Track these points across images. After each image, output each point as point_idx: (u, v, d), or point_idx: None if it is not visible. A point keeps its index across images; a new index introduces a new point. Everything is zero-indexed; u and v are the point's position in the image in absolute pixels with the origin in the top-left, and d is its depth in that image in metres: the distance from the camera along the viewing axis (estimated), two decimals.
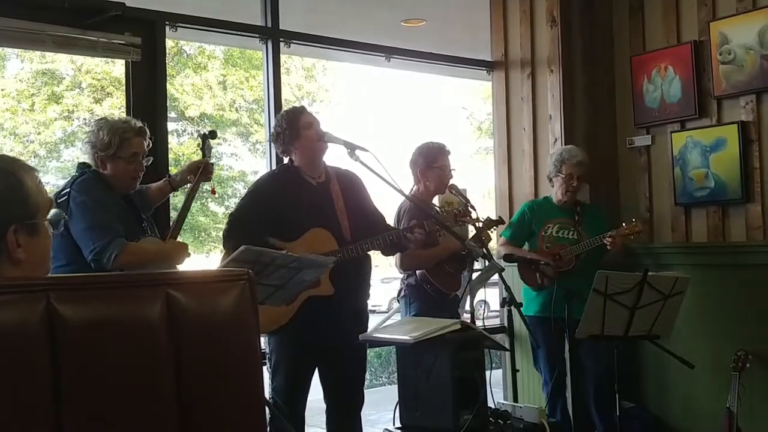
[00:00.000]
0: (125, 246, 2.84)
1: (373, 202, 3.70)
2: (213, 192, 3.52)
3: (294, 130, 3.50)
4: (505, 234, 4.49)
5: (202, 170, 3.26)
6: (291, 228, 3.38)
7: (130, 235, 2.94)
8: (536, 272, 4.25)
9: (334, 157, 3.65)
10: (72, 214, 2.84)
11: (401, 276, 4.19)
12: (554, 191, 4.44)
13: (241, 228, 3.42)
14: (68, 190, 2.94)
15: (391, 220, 3.97)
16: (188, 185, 3.33)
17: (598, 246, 4.21)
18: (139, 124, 3.12)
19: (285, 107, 4.16)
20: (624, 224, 4.26)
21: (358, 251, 3.41)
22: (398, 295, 4.25)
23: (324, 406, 3.60)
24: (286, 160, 3.67)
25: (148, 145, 3.14)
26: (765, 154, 4.36)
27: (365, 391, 3.65)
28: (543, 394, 4.36)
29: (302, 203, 3.45)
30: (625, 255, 4.43)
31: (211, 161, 3.36)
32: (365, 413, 3.66)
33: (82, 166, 3.08)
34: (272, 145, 3.76)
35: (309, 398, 3.53)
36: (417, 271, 4.06)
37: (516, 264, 4.31)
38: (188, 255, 3.11)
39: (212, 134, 3.42)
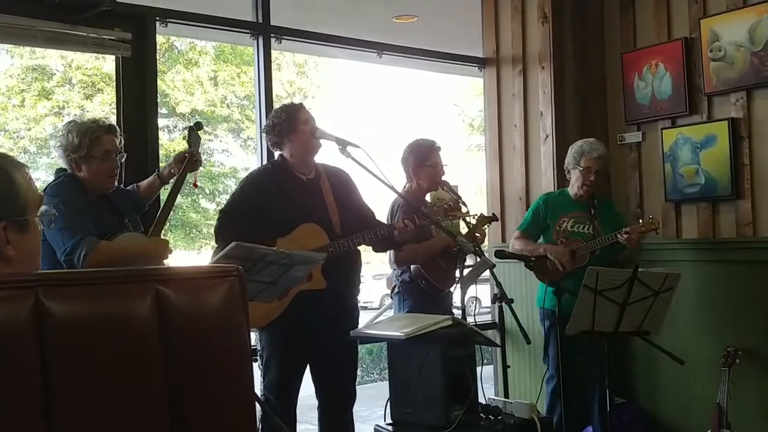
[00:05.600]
0: (95, 245, 2.81)
1: (363, 199, 3.71)
2: (195, 185, 3.47)
3: (291, 123, 3.52)
4: (520, 227, 4.46)
5: (187, 160, 3.24)
6: (281, 223, 3.39)
7: (109, 233, 2.92)
8: (547, 266, 4.18)
9: (326, 154, 3.66)
10: None
11: (395, 272, 4.19)
12: (571, 184, 4.35)
13: (232, 223, 3.42)
14: (41, 192, 2.93)
15: (383, 217, 3.97)
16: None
17: (613, 242, 4.14)
18: (108, 122, 3.12)
19: (277, 103, 4.17)
20: (641, 221, 4.20)
21: (348, 245, 3.42)
22: (392, 291, 4.24)
23: (316, 402, 3.60)
24: (276, 154, 3.66)
25: (120, 142, 3.13)
26: (755, 150, 4.38)
27: (357, 387, 3.66)
28: (546, 387, 4.30)
29: (293, 198, 3.46)
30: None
31: (197, 151, 3.32)
32: (356, 409, 3.66)
33: (59, 172, 3.09)
34: (264, 137, 3.73)
35: (301, 394, 3.54)
36: (411, 267, 4.07)
37: (509, 260, 4.30)
38: (170, 252, 3.08)
39: (198, 125, 3.39)
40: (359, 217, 3.58)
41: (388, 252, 4.04)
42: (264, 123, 3.86)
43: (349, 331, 3.38)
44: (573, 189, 4.33)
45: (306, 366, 3.52)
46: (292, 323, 3.35)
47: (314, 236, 3.40)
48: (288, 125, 3.52)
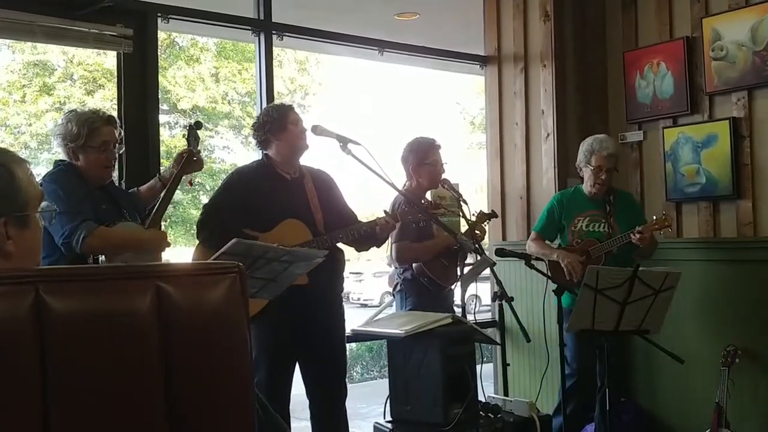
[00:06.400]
0: (94, 229, 2.82)
1: (345, 201, 3.73)
2: (190, 183, 3.47)
3: (282, 122, 3.54)
4: (535, 228, 4.43)
5: (185, 159, 3.24)
6: (265, 219, 3.41)
7: (107, 222, 2.93)
8: (562, 270, 4.14)
9: (326, 151, 3.66)
10: None
11: (397, 270, 4.19)
12: (584, 182, 4.30)
13: (216, 218, 3.44)
14: (41, 181, 2.94)
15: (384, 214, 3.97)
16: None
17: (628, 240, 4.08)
18: (108, 113, 3.12)
19: (278, 100, 4.17)
20: (654, 217, 4.14)
21: (331, 241, 3.43)
22: (394, 289, 4.25)
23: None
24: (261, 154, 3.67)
25: (119, 133, 3.13)
26: (756, 150, 4.38)
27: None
28: (558, 386, 4.26)
29: (276, 196, 3.48)
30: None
31: (196, 151, 3.32)
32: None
33: (58, 162, 3.10)
34: (252, 134, 3.70)
35: (296, 391, 3.54)
36: (413, 265, 4.07)
37: (508, 258, 4.28)
38: (168, 245, 3.08)
39: (197, 125, 3.39)
40: (342, 218, 3.60)
41: (388, 250, 4.05)
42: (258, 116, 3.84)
43: (335, 327, 3.40)
44: (586, 187, 4.28)
45: (295, 363, 3.52)
46: (276, 320, 3.34)
47: (297, 232, 3.42)
48: (278, 123, 3.53)
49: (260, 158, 3.70)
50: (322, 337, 3.45)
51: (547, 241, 4.37)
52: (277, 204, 3.46)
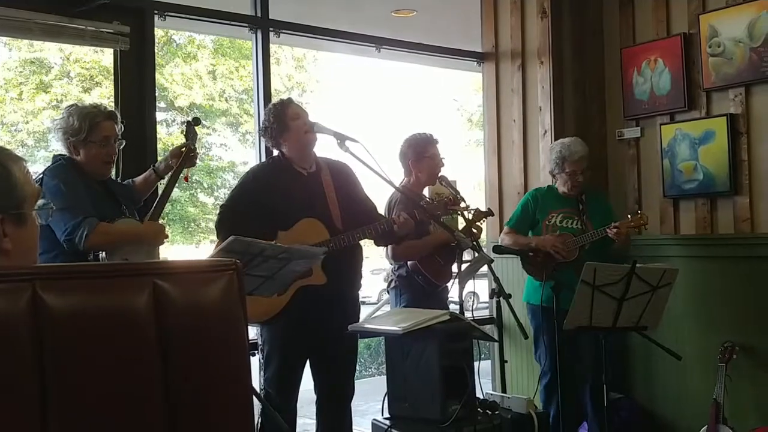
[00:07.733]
0: (97, 225, 2.85)
1: (364, 192, 3.70)
2: (186, 179, 3.49)
3: (281, 123, 3.51)
4: (508, 223, 4.47)
5: (184, 154, 3.25)
6: (282, 218, 3.39)
7: (107, 218, 2.95)
8: (538, 262, 4.19)
9: (324, 148, 3.66)
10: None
11: (392, 267, 4.19)
12: (559, 184, 4.37)
13: (232, 218, 3.43)
14: (41, 176, 2.96)
15: (381, 212, 3.97)
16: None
17: (603, 236, 4.14)
18: (109, 108, 3.14)
19: (274, 98, 4.16)
20: (629, 216, 4.18)
21: (349, 240, 3.42)
22: (388, 286, 4.25)
23: (314, 396, 3.61)
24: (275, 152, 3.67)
25: (120, 128, 3.14)
26: (753, 146, 4.38)
27: (355, 381, 3.66)
28: (540, 385, 4.30)
29: (293, 193, 3.46)
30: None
31: (194, 147, 3.33)
32: (354, 403, 3.67)
33: (57, 157, 3.10)
34: (262, 138, 3.76)
35: (302, 387, 3.54)
36: (408, 262, 4.07)
37: (506, 255, 4.30)
38: (166, 237, 3.12)
39: (196, 121, 3.41)
40: (361, 211, 3.58)
41: (385, 248, 4.04)
42: (259, 122, 3.86)
43: (349, 325, 3.38)
44: (561, 188, 4.36)
45: (306, 360, 3.52)
46: (293, 318, 3.35)
47: (314, 231, 3.40)
48: (278, 125, 3.52)
49: (276, 155, 3.69)
50: (335, 335, 3.42)
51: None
52: (294, 201, 3.44)
